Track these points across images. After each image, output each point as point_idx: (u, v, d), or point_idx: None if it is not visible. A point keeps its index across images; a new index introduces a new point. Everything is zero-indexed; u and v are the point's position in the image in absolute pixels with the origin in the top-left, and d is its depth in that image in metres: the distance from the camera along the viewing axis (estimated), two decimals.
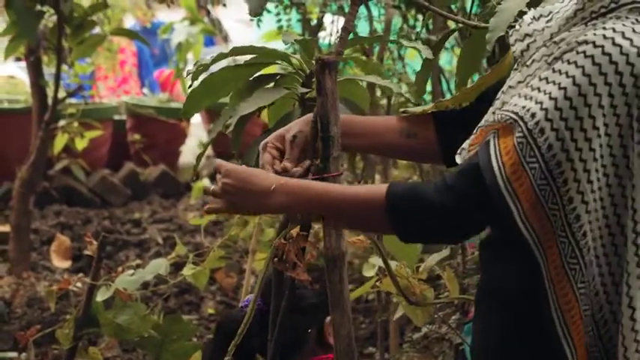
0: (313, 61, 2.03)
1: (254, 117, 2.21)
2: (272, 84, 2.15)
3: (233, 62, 2.24)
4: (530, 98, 1.76)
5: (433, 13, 2.75)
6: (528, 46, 1.91)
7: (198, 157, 2.16)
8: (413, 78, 4.13)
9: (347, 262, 4.72)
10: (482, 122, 1.89)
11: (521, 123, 1.74)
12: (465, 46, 2.30)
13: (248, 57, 2.14)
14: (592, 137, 1.72)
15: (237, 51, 2.13)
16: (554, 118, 1.73)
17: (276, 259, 1.97)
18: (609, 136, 1.74)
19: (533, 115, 1.74)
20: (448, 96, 4.14)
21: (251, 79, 2.14)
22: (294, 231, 1.98)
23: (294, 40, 2.11)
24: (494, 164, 1.75)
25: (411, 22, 4.21)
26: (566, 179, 1.74)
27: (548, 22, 1.91)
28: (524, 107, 1.75)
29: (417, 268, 2.68)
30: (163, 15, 9.74)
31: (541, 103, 1.74)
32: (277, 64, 2.16)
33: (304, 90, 2.12)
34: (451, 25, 3.49)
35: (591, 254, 1.77)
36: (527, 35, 1.92)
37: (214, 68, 2.13)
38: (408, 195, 1.82)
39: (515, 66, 1.94)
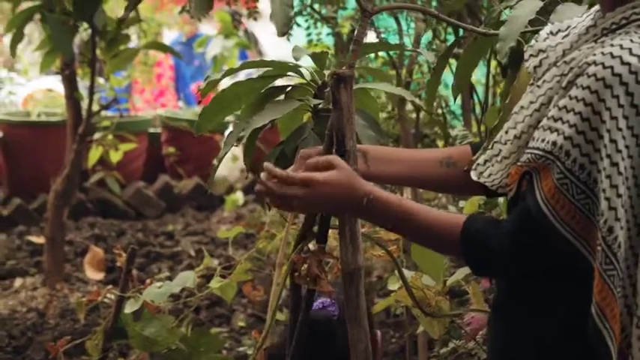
0: (325, 72, 2.04)
1: (275, 127, 2.23)
2: (283, 96, 2.16)
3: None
4: (556, 131, 1.75)
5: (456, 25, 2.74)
6: (541, 62, 1.90)
7: (214, 169, 2.18)
8: (441, 91, 4.14)
9: (376, 275, 4.71)
10: (505, 151, 1.91)
11: (558, 163, 1.75)
12: (465, 51, 2.29)
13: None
14: (618, 161, 1.71)
15: (248, 65, 2.15)
16: (590, 152, 1.73)
17: (296, 274, 1.98)
18: (631, 157, 1.72)
19: (567, 154, 1.74)
20: (477, 109, 4.12)
21: (262, 91, 2.15)
22: (312, 244, 1.98)
23: (307, 54, 2.12)
24: (545, 210, 1.76)
25: (442, 35, 4.19)
26: (599, 190, 1.74)
27: (564, 37, 1.90)
28: (555, 144, 1.75)
29: (444, 282, 2.68)
30: (205, 28, 9.80)
31: (571, 138, 1.73)
32: (289, 76, 2.17)
33: (317, 101, 2.12)
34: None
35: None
36: (540, 51, 1.91)
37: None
38: (477, 236, 1.86)
39: (531, 81, 1.94)
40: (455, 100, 2.43)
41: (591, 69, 1.73)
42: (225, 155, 2.11)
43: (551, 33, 1.93)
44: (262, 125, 2.04)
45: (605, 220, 1.71)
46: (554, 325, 1.84)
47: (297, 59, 2.13)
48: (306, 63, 2.19)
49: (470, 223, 1.88)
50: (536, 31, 2.03)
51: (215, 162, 2.17)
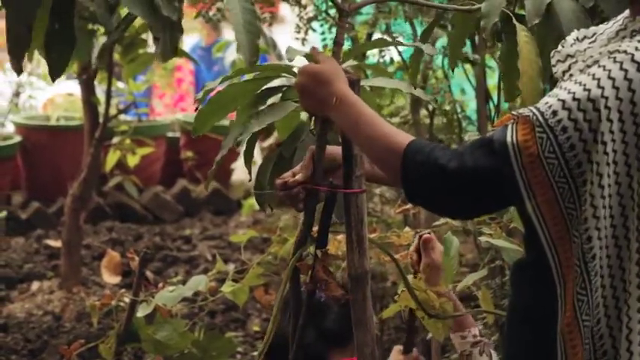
0: None
1: None
2: (279, 95, 2.15)
3: None
4: (555, 96, 1.77)
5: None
6: (570, 66, 1.90)
7: (215, 167, 2.18)
8: (457, 96, 4.13)
9: (392, 281, 4.70)
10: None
11: (540, 117, 1.75)
12: (452, 26, 2.31)
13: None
14: (607, 141, 1.71)
15: (242, 71, 2.15)
16: (578, 119, 1.73)
17: (305, 279, 1.99)
18: (626, 143, 1.72)
19: (554, 113, 1.75)
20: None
21: (258, 92, 2.15)
22: (312, 249, 1.99)
23: (302, 55, 2.12)
24: (511, 150, 1.76)
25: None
26: (585, 180, 1.73)
27: (591, 43, 1.90)
28: (546, 103, 1.77)
29: (454, 288, 2.66)
30: (227, 33, 9.80)
31: (563, 101, 1.75)
32: (285, 76, 2.16)
33: None
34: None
35: (597, 268, 1.75)
36: (569, 56, 1.92)
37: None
38: (423, 150, 1.84)
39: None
40: (453, 71, 2.49)
41: (614, 54, 1.75)
42: (222, 157, 2.12)
43: (577, 39, 1.95)
44: (260, 129, 2.05)
45: (585, 209, 1.72)
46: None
47: (290, 60, 2.13)
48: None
49: (420, 139, 1.88)
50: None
51: (231, 166, 2.18)
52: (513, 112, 1.80)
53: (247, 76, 2.25)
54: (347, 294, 2.07)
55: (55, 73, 2.26)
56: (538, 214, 1.77)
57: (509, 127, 1.78)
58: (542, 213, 1.76)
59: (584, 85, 1.74)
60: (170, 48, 2.07)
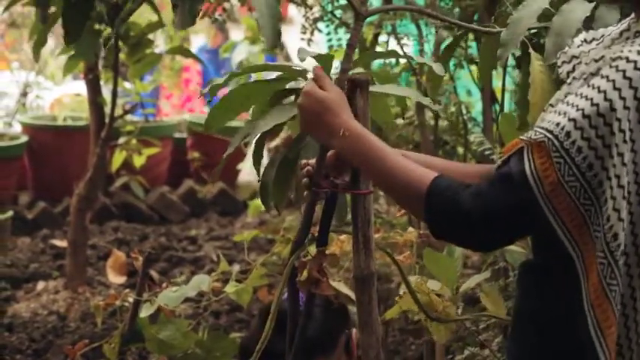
0: (332, 76, 2.03)
1: None
2: (292, 97, 2.15)
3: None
4: (564, 114, 1.74)
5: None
6: (574, 67, 1.89)
7: (218, 170, 2.18)
8: (463, 97, 4.12)
9: (397, 282, 4.70)
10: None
11: (555, 142, 1.72)
12: (481, 51, 2.29)
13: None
14: (624, 152, 1.70)
15: (249, 69, 2.14)
16: (591, 137, 1.71)
17: (297, 279, 1.98)
18: (635, 152, 1.71)
19: (568, 135, 1.72)
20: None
21: (273, 94, 2.14)
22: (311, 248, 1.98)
23: (312, 57, 2.11)
24: (531, 181, 1.73)
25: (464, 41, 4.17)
26: (607, 198, 1.72)
27: (598, 44, 1.89)
28: (558, 124, 1.73)
29: (457, 289, 2.66)
30: (235, 34, 9.79)
31: (575, 120, 1.72)
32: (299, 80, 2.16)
33: None
34: None
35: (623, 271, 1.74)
36: (574, 57, 1.91)
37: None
38: (445, 193, 1.81)
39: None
40: (481, 89, 2.44)
41: (615, 62, 1.73)
42: (228, 155, 2.12)
43: (585, 41, 1.93)
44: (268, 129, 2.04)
45: (612, 225, 1.70)
46: (581, 334, 1.81)
47: (302, 60, 2.11)
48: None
49: (441, 178, 1.85)
50: (544, 28, 2.02)
51: (237, 167, 2.17)
52: (523, 138, 1.77)
53: (255, 76, 2.25)
54: (338, 296, 2.06)
55: (70, 38, 2.34)
56: (570, 240, 1.74)
57: (525, 155, 1.75)
58: (575, 238, 1.74)
59: (592, 99, 1.72)
60: (189, 17, 2.05)
